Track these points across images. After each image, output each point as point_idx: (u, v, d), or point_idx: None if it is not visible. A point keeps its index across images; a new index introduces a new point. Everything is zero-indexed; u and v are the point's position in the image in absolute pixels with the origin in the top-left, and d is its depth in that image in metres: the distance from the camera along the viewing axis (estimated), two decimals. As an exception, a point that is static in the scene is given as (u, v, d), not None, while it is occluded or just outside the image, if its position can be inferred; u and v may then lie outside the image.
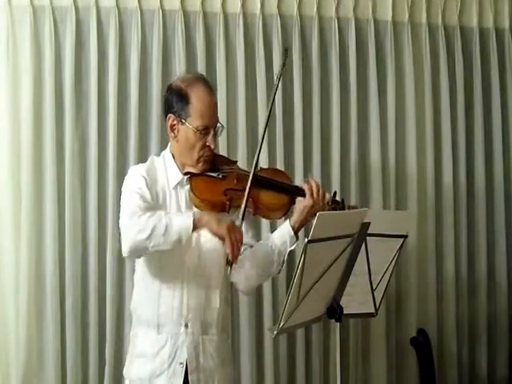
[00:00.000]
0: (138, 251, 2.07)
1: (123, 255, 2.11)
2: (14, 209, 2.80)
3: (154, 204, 2.13)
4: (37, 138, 2.84)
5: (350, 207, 2.39)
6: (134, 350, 2.24)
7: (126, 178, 2.24)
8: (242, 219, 2.09)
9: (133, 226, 2.04)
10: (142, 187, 2.15)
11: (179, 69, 2.96)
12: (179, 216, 2.06)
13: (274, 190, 2.25)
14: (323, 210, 2.20)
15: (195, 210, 2.12)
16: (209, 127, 2.18)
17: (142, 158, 2.85)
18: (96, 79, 2.90)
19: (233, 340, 2.94)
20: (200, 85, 2.21)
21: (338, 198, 2.36)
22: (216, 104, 2.26)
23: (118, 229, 2.90)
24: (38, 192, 2.83)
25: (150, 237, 2.01)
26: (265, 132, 2.27)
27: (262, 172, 2.34)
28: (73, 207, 2.86)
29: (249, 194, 2.12)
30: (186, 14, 3.02)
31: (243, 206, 2.11)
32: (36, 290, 2.82)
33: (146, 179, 2.17)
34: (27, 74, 2.82)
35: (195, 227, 2.02)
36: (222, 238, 2.03)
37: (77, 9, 2.90)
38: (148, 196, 2.14)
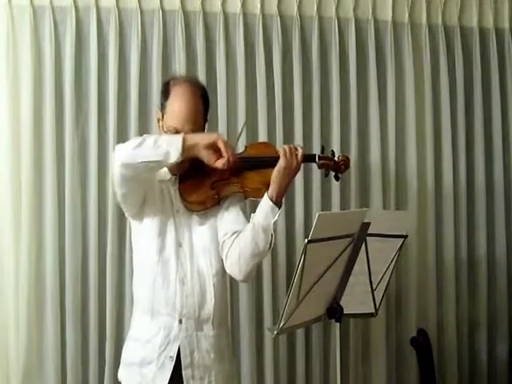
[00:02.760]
0: (128, 166, 2.03)
1: (115, 179, 2.09)
2: (14, 209, 2.80)
3: None
4: (37, 138, 2.83)
5: (340, 158, 2.34)
6: (131, 332, 2.26)
7: None
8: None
9: (125, 144, 2.07)
10: None
11: (179, 69, 2.96)
12: (170, 135, 2.08)
13: (258, 168, 2.21)
14: (298, 169, 2.18)
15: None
16: (179, 131, 2.13)
17: (142, 157, 2.86)
18: (96, 79, 2.90)
19: (233, 339, 2.94)
20: (184, 86, 2.18)
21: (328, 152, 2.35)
22: (195, 111, 2.16)
23: (118, 228, 2.91)
24: (37, 192, 2.83)
25: (139, 145, 2.01)
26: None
27: (246, 151, 2.29)
28: (73, 207, 2.86)
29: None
30: (185, 14, 3.02)
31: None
32: (36, 290, 2.82)
33: None
34: (27, 74, 2.82)
35: (185, 141, 2.00)
36: (214, 145, 2.03)
37: (77, 9, 2.90)
38: None
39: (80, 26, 2.91)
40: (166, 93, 2.19)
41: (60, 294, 2.85)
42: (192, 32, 3.03)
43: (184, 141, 2.00)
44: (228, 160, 2.03)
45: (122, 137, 2.92)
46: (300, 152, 2.18)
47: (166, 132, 2.16)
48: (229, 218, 2.21)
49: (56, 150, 2.85)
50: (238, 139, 2.21)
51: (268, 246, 2.14)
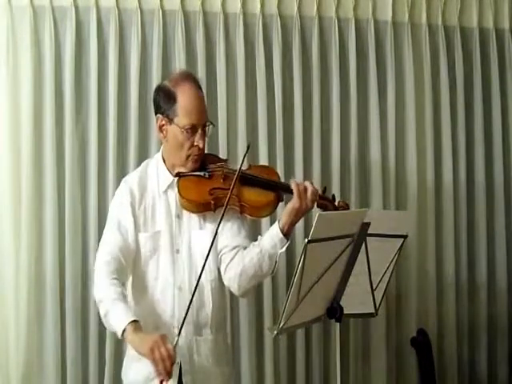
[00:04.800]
0: None
1: None
2: (14, 209, 2.80)
3: (134, 232, 2.17)
4: (37, 138, 2.83)
5: (340, 204, 2.35)
6: (129, 352, 2.24)
7: (117, 190, 2.29)
8: (219, 224, 2.06)
9: (97, 278, 2.09)
10: (126, 211, 2.19)
11: (179, 69, 2.95)
12: (120, 315, 1.97)
13: (259, 187, 2.23)
14: (312, 209, 2.20)
15: (133, 322, 1.96)
16: (196, 126, 2.17)
17: (142, 158, 2.85)
18: (96, 79, 2.90)
19: (233, 340, 2.95)
20: (186, 83, 2.20)
21: (329, 195, 2.35)
22: (204, 102, 2.24)
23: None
24: (37, 192, 2.83)
25: (98, 305, 2.06)
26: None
27: (250, 169, 2.32)
28: (73, 207, 2.86)
29: (231, 193, 2.10)
30: (185, 14, 3.02)
31: (223, 209, 2.07)
32: (36, 290, 2.82)
33: (133, 195, 2.21)
34: (27, 73, 2.82)
35: (124, 339, 1.97)
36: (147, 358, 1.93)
37: (77, 9, 2.89)
38: (129, 222, 2.18)
39: (80, 26, 2.91)
40: (170, 98, 2.18)
41: (60, 294, 2.84)
42: (192, 32, 3.03)
43: (123, 334, 1.94)
44: (160, 375, 1.90)
45: (122, 137, 2.93)
46: (312, 192, 2.18)
47: (181, 131, 2.16)
48: (230, 231, 2.22)
49: (56, 150, 2.85)
50: (241, 163, 2.19)
51: (271, 271, 2.20)
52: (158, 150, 2.76)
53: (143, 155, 2.88)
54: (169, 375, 1.90)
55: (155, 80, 2.94)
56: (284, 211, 2.19)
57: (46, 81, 2.85)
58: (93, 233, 2.88)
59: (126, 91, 2.95)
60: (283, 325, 2.02)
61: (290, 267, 3.01)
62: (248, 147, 2.19)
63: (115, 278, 2.05)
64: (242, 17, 3.07)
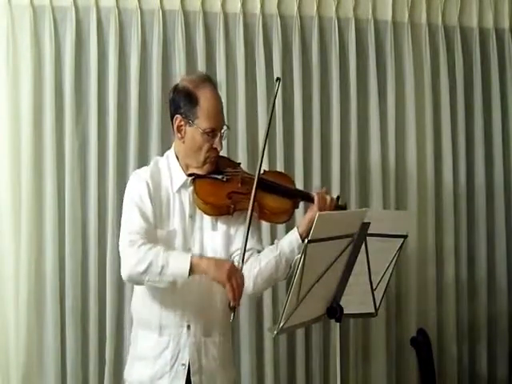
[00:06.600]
0: (135, 281, 2.11)
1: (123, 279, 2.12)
2: (14, 209, 2.80)
3: (154, 222, 2.14)
4: (37, 138, 2.83)
5: None
6: (134, 352, 2.24)
7: (128, 182, 2.24)
8: (248, 227, 2.08)
9: (131, 256, 2.04)
10: (144, 198, 2.15)
11: (179, 69, 2.96)
12: (177, 258, 2.02)
13: (278, 194, 2.26)
14: None
15: (194, 254, 2.07)
16: (216, 129, 2.19)
17: (142, 157, 2.86)
18: (96, 79, 2.90)
19: (233, 340, 2.93)
20: (208, 86, 2.21)
21: (340, 202, 2.37)
22: (222, 107, 2.26)
23: (118, 228, 2.90)
24: (37, 192, 2.83)
25: (146, 272, 2.02)
26: (265, 143, 2.26)
27: (266, 175, 2.34)
28: (73, 207, 2.86)
29: (254, 199, 2.11)
30: (186, 14, 3.02)
31: (249, 212, 2.09)
32: (36, 290, 2.82)
33: (148, 186, 2.16)
34: (27, 74, 2.82)
35: (192, 271, 2.00)
36: (222, 284, 2.01)
37: (77, 9, 2.89)
38: (149, 210, 2.13)
39: (80, 26, 2.91)
40: (191, 99, 2.18)
41: (60, 294, 2.84)
42: (192, 32, 3.03)
43: (191, 269, 1.99)
44: (235, 302, 2.01)
45: (121, 137, 2.93)
46: (331, 203, 2.25)
47: (201, 134, 2.16)
48: (244, 235, 2.20)
49: (56, 150, 2.85)
50: (259, 166, 2.21)
51: (285, 275, 2.27)
52: (158, 150, 2.78)
53: (143, 155, 2.89)
54: (239, 303, 2.02)
55: (155, 80, 2.94)
56: (304, 219, 2.25)
57: (45, 81, 2.85)
58: (93, 233, 2.88)
59: (126, 91, 2.95)
60: (283, 325, 2.02)
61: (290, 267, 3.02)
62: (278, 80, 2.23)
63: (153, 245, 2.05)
64: (241, 17, 3.07)
